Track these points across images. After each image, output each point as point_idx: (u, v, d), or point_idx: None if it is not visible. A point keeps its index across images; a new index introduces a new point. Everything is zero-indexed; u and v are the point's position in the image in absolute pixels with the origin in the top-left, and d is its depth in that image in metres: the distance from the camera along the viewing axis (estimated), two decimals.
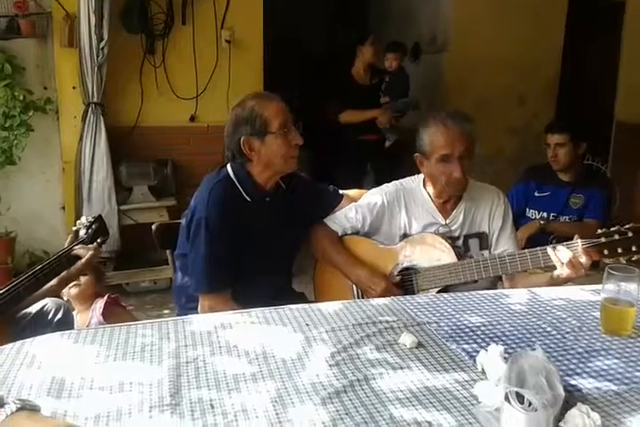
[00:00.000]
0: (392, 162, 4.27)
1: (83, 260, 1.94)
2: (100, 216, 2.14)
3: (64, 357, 1.32)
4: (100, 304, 2.25)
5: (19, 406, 0.92)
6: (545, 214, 3.12)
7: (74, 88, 3.74)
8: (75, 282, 2.18)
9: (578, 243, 1.72)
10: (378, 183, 2.26)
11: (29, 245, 3.77)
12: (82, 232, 2.04)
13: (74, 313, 2.23)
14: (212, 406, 1.12)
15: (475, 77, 4.89)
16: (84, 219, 2.10)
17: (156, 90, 3.97)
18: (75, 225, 2.13)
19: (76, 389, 1.18)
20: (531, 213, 3.17)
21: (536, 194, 3.17)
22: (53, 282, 1.93)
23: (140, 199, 3.85)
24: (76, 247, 1.96)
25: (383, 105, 4.29)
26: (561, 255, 1.73)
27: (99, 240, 2.06)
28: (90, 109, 3.69)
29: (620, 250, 1.66)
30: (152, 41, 3.93)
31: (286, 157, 1.93)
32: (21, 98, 3.55)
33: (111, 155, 3.73)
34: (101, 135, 3.71)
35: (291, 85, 4.53)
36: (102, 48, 3.63)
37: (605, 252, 1.68)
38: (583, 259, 1.70)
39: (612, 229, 1.69)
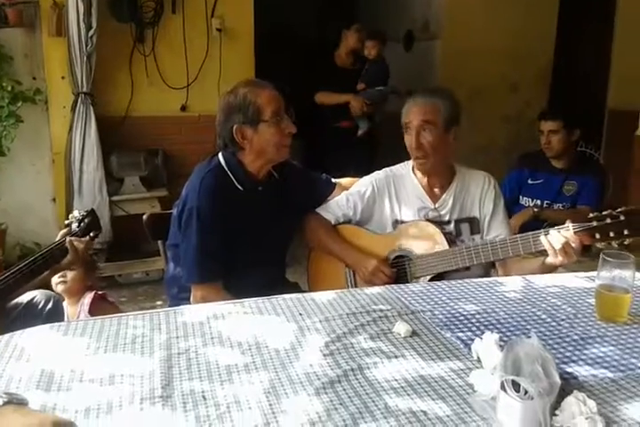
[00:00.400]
0: (365, 150, 4.26)
1: (74, 252, 1.92)
2: (92, 210, 2.12)
3: (54, 349, 1.30)
4: (87, 300, 2.23)
5: (5, 399, 0.90)
6: (538, 202, 3.11)
7: (63, 78, 3.71)
8: (61, 279, 2.17)
9: (569, 227, 1.70)
10: (356, 171, 2.26)
11: (20, 237, 3.73)
12: (74, 226, 2.03)
13: (64, 304, 2.21)
14: (205, 398, 1.11)
15: (468, 65, 4.87)
16: (76, 212, 2.08)
17: (146, 79, 3.94)
18: (67, 218, 2.11)
19: (65, 381, 1.16)
20: (524, 200, 3.16)
21: (529, 181, 3.16)
22: (45, 274, 1.92)
23: (132, 190, 3.83)
24: (68, 239, 1.94)
25: (359, 91, 4.27)
26: (552, 240, 1.71)
27: (91, 234, 2.04)
28: (79, 99, 3.66)
29: (611, 234, 1.64)
30: (142, 30, 3.89)
31: (279, 146, 1.91)
32: (10, 88, 3.52)
33: (101, 145, 3.71)
34: (91, 125, 3.67)
35: (281, 74, 4.49)
36: (91, 37, 3.58)
37: (597, 236, 1.66)
38: (575, 243, 1.69)
39: (604, 212, 1.67)
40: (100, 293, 2.35)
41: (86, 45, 3.58)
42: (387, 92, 4.30)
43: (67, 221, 2.07)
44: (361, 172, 2.22)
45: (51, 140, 3.79)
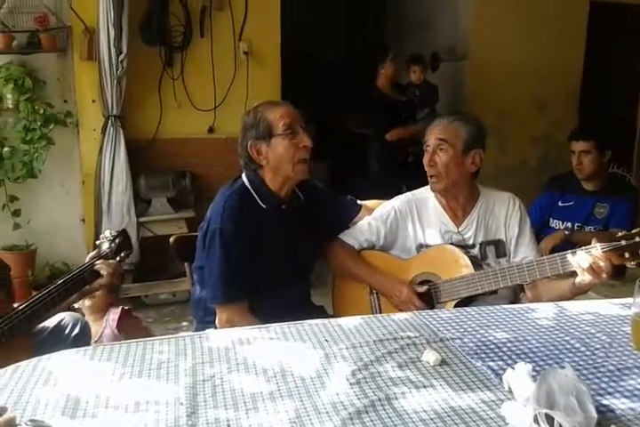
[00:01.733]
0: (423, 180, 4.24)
1: (104, 276, 1.91)
2: (124, 230, 2.11)
3: (80, 374, 1.30)
4: (112, 316, 2.24)
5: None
6: (569, 225, 3.06)
7: (93, 101, 3.77)
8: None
9: (597, 247, 1.66)
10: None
11: (49, 257, 3.77)
12: (104, 246, 2.01)
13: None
14: None
15: (495, 86, 4.85)
16: (107, 232, 2.07)
17: (174, 102, 3.98)
18: (97, 239, 2.12)
19: (91, 408, 1.16)
20: (554, 223, 3.11)
21: (560, 204, 3.11)
22: (73, 297, 1.93)
23: (159, 211, 3.85)
24: (98, 262, 1.94)
25: (422, 118, 4.25)
26: (580, 260, 1.67)
27: (122, 254, 2.03)
28: (109, 122, 3.72)
29: None
30: (170, 53, 3.95)
31: (294, 161, 1.89)
32: (42, 111, 3.58)
33: (130, 167, 3.75)
34: (120, 148, 3.72)
35: (307, 96, 4.52)
36: (121, 61, 3.65)
37: (626, 255, 1.61)
38: (603, 263, 1.64)
39: (634, 231, 1.63)
40: (125, 308, 2.37)
41: (116, 69, 3.65)
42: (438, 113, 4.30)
43: (97, 242, 2.07)
44: None
45: (81, 162, 3.84)
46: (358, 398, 1.19)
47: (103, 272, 1.91)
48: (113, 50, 3.62)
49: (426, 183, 2.05)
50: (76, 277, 1.88)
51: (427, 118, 4.21)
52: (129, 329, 2.32)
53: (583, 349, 1.40)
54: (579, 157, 3.01)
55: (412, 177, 4.18)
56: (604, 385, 1.24)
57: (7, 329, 1.74)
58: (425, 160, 1.99)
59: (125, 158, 3.73)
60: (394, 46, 4.40)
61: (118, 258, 2.00)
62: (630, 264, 1.63)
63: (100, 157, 3.73)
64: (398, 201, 2.08)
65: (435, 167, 1.96)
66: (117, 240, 2.02)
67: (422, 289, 1.95)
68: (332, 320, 1.59)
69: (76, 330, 1.93)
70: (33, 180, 3.64)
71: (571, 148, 3.06)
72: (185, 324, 3.35)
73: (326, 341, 1.44)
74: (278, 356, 1.36)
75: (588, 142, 3.00)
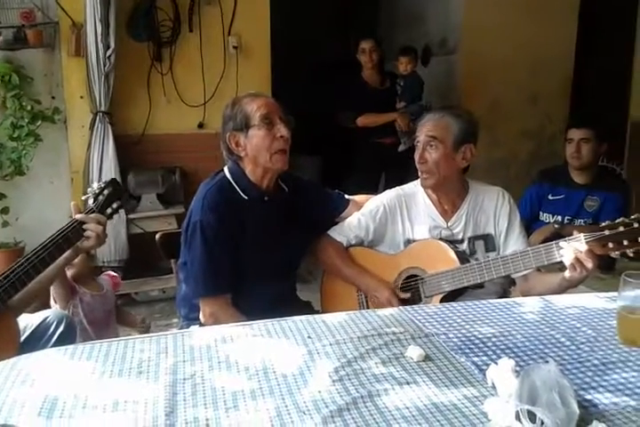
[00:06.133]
0: (405, 167, 4.21)
1: (90, 237, 1.74)
2: (113, 180, 1.92)
3: (59, 374, 1.28)
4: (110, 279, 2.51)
5: None
6: (559, 218, 3.04)
7: (81, 97, 3.74)
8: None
9: (580, 237, 1.65)
10: (388, 188, 2.21)
11: None
12: (90, 201, 1.84)
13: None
14: (208, 426, 1.08)
15: (487, 79, 4.82)
16: (95, 185, 1.88)
17: (163, 97, 3.96)
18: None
19: (68, 408, 1.14)
20: (544, 216, 3.09)
21: (550, 197, 3.08)
22: (60, 260, 1.76)
23: (149, 208, 3.83)
24: (78, 217, 1.76)
25: (399, 109, 4.24)
26: (564, 252, 1.66)
27: (114, 206, 1.86)
28: (97, 118, 3.69)
29: (625, 242, 1.57)
30: (159, 48, 3.93)
31: (271, 151, 1.87)
32: (29, 108, 3.55)
33: (119, 163, 3.72)
34: (109, 144, 3.70)
35: (297, 90, 4.50)
36: (109, 57, 3.62)
37: (610, 245, 1.59)
38: (588, 253, 1.63)
39: (617, 220, 1.61)
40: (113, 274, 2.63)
41: (104, 65, 3.62)
42: (426, 107, 4.28)
43: (83, 197, 1.90)
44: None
45: (69, 159, 3.82)
46: (340, 396, 1.17)
47: (89, 233, 1.75)
48: (100, 45, 3.59)
49: (410, 173, 2.04)
50: (58, 238, 1.71)
51: (407, 110, 4.20)
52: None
53: (568, 343, 1.39)
54: (577, 144, 2.97)
55: (391, 166, 4.22)
56: (587, 380, 1.23)
57: None
58: (416, 157, 1.98)
59: (114, 155, 3.70)
60: (373, 37, 4.37)
61: (110, 210, 1.85)
62: (614, 254, 1.61)
63: (88, 154, 3.70)
64: (387, 196, 2.07)
65: (425, 164, 1.96)
66: (106, 191, 1.85)
67: (405, 296, 1.94)
68: (316, 317, 1.58)
69: (61, 328, 1.90)
70: (21, 177, 3.62)
71: (568, 136, 3.02)
72: (175, 320, 3.33)
73: (309, 337, 1.42)
74: (261, 353, 1.35)
75: (590, 130, 2.96)
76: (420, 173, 2.00)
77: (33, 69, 3.68)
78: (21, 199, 3.72)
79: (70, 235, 1.74)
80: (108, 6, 3.57)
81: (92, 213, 1.80)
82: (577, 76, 5.22)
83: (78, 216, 1.77)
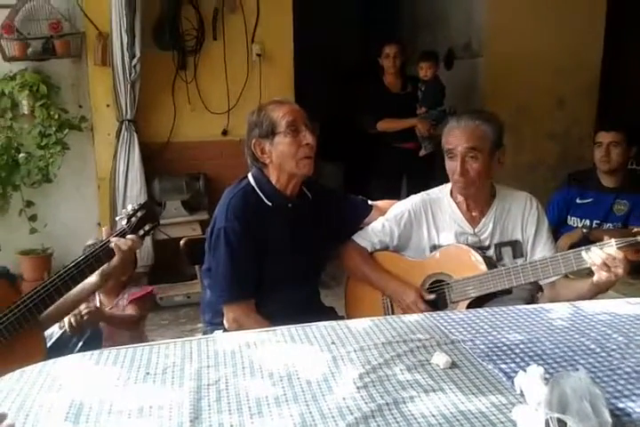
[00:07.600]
0: (426, 172, 4.19)
1: (117, 254, 1.76)
2: (146, 202, 1.96)
3: (84, 379, 1.29)
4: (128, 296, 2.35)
5: None
6: (588, 222, 2.99)
7: (108, 106, 3.80)
8: None
9: (612, 242, 1.61)
10: (411, 194, 2.19)
11: (66, 261, 3.70)
12: (123, 222, 1.84)
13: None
14: None
15: (512, 82, 4.77)
16: (129, 207, 1.90)
17: (188, 105, 4.00)
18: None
19: (94, 413, 1.14)
20: (573, 220, 3.04)
21: (578, 201, 3.04)
22: (93, 279, 1.80)
23: (174, 214, 3.86)
24: (113, 239, 1.77)
25: (420, 115, 4.22)
26: (594, 257, 1.63)
27: (146, 228, 1.86)
28: (123, 126, 3.74)
29: None
30: (184, 57, 3.96)
31: (297, 158, 1.87)
32: (57, 117, 3.61)
33: (145, 170, 3.77)
34: (135, 152, 3.75)
35: (322, 97, 4.50)
36: (135, 66, 3.67)
37: None
38: (619, 259, 1.60)
39: None
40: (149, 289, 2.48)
41: (130, 74, 3.67)
42: (449, 112, 4.25)
43: (117, 218, 1.90)
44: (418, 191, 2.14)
45: (96, 167, 3.87)
46: (365, 403, 1.16)
47: (117, 250, 1.77)
48: (126, 54, 3.65)
49: (431, 178, 2.01)
50: (89, 257, 1.75)
51: (427, 116, 4.17)
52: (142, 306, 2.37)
53: (599, 350, 1.36)
54: (607, 147, 2.92)
55: (412, 171, 4.19)
56: (620, 388, 1.20)
57: (13, 321, 1.67)
58: (456, 169, 1.88)
59: (140, 162, 3.75)
60: (397, 42, 4.35)
61: (142, 232, 1.85)
62: None
63: (114, 161, 3.75)
64: (412, 202, 2.04)
65: (467, 176, 1.88)
66: (139, 213, 1.85)
67: (431, 297, 1.92)
68: (340, 322, 1.56)
69: (87, 334, 1.92)
70: (48, 184, 3.68)
71: (597, 139, 2.97)
72: (200, 325, 3.33)
73: (333, 343, 1.41)
74: (285, 359, 1.34)
75: (619, 134, 2.92)
76: (456, 183, 1.94)
77: (60, 79, 3.75)
78: (49, 206, 3.78)
79: (101, 254, 1.78)
80: (134, 16, 3.62)
81: (124, 233, 1.81)
82: (604, 78, 5.13)
83: (114, 239, 1.78)
